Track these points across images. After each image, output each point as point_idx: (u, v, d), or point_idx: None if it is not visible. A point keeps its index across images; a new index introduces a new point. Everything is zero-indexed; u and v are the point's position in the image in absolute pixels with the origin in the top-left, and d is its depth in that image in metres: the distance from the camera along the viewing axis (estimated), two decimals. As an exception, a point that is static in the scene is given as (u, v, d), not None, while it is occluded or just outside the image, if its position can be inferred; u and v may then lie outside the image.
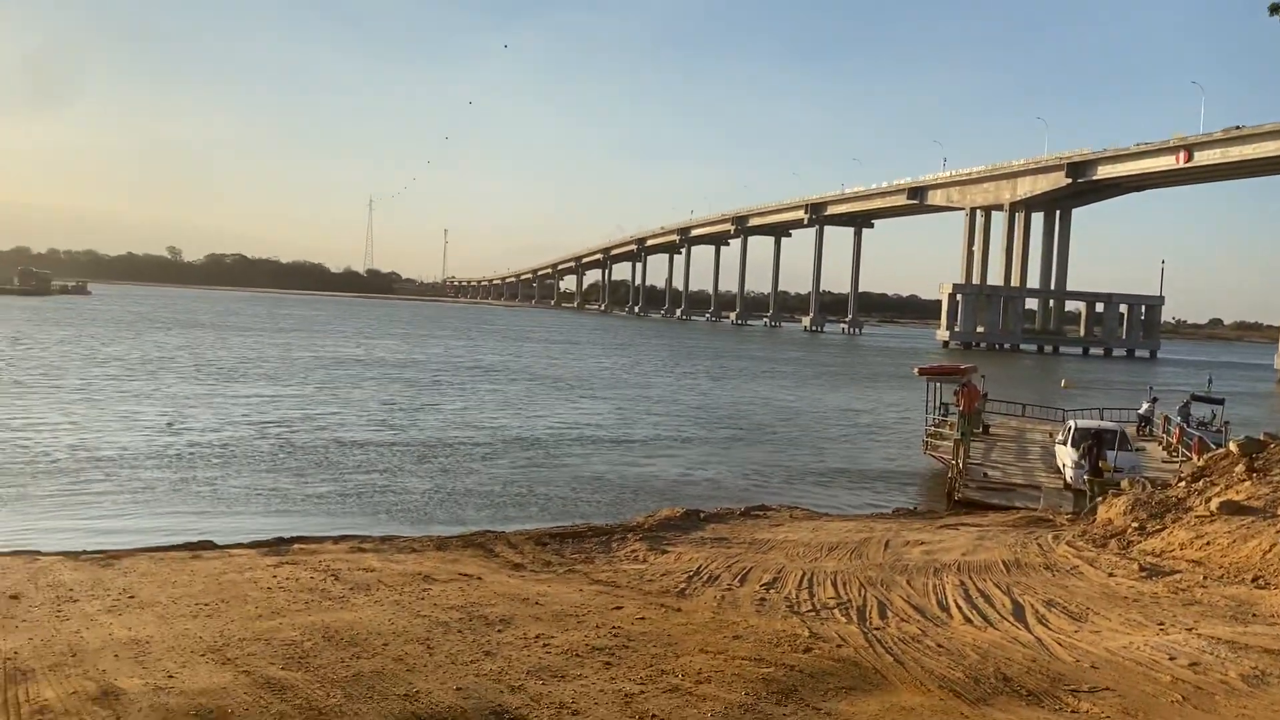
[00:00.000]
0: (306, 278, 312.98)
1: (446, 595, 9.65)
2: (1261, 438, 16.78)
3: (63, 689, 6.58)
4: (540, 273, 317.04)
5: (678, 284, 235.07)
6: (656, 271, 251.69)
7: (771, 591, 10.45)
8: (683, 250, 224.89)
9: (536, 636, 8.17)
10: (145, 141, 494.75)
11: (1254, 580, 9.73)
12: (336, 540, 13.53)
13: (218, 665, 7.18)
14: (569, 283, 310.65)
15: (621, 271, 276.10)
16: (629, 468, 27.37)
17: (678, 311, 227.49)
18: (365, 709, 6.32)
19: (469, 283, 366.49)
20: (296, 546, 12.79)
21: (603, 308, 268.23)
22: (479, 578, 10.65)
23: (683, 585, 10.77)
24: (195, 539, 13.75)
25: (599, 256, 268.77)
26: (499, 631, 8.32)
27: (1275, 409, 59.70)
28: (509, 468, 26.03)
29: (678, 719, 6.18)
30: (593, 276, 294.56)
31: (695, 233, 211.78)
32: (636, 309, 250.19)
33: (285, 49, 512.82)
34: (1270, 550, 10.13)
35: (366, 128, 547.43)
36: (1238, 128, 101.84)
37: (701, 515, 16.70)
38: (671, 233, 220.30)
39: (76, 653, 7.48)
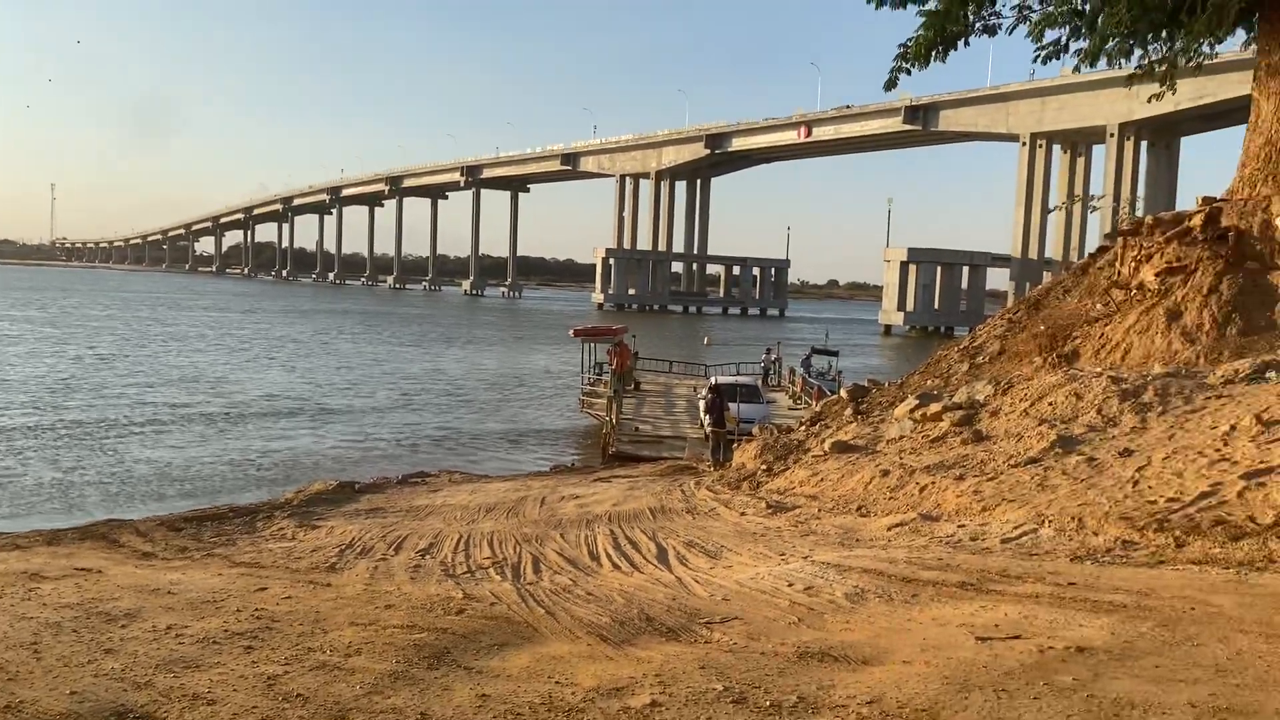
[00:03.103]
0: None
1: (59, 593, 8.64)
2: (865, 383, 18.96)
3: None
4: (172, 234, 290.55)
5: (330, 246, 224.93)
6: (306, 234, 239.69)
7: (427, 557, 10.36)
8: (334, 211, 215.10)
9: (168, 628, 7.53)
10: None
11: (858, 509, 10.97)
12: (-82, 543, 11.69)
13: None
14: (206, 244, 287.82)
15: (267, 233, 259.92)
16: (286, 442, 26.05)
17: (330, 275, 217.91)
18: (-48, 731, 5.52)
19: (84, 245, 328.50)
20: None
21: (246, 271, 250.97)
22: (100, 571, 9.64)
23: (334, 560, 10.40)
24: None
25: (240, 216, 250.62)
26: (123, 627, 7.58)
27: (878, 357, 67.84)
28: (155, 448, 23.91)
29: (324, 695, 5.95)
30: (234, 238, 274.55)
31: (347, 192, 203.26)
32: (285, 273, 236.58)
33: None
34: (870, 482, 11.48)
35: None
36: (848, 106, 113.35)
37: (356, 487, 16.23)
38: (321, 192, 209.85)
39: None
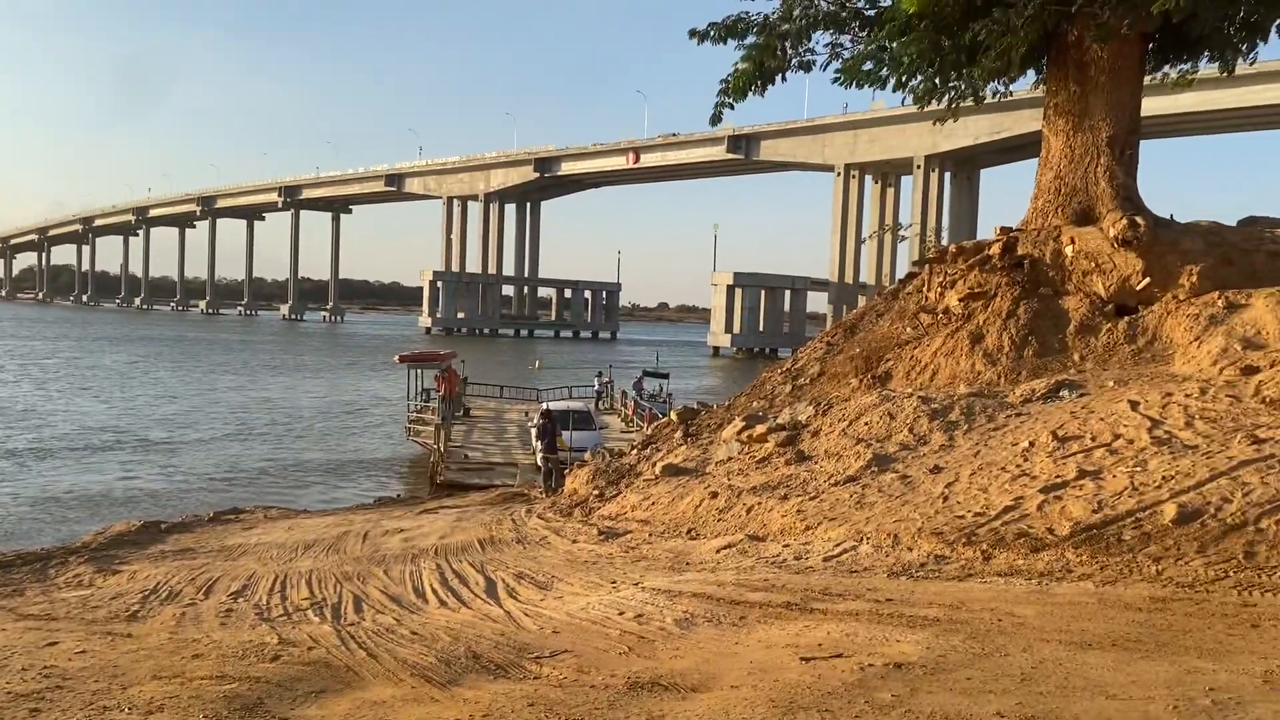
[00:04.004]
0: None
1: None
2: (695, 406, 19.25)
3: None
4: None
5: (136, 269, 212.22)
6: (110, 257, 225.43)
7: (240, 600, 9.78)
8: (140, 232, 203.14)
9: (-60, 695, 6.79)
10: None
11: (688, 532, 11.07)
12: None
13: None
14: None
15: (65, 255, 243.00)
16: (94, 478, 24.29)
17: (137, 300, 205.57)
18: None
19: None
20: None
21: (41, 296, 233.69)
22: None
23: (136, 607, 9.67)
24: None
25: (34, 237, 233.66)
26: (-115, 696, 6.78)
27: (707, 379, 69.29)
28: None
29: (121, 761, 5.49)
30: (27, 260, 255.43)
31: (155, 213, 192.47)
32: (85, 298, 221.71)
33: None
34: (700, 505, 11.61)
35: None
36: (674, 134, 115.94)
37: (163, 526, 15.23)
38: (125, 212, 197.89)
39: None
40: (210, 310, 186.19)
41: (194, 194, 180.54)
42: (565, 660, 6.66)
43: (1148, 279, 14.27)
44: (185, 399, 44.04)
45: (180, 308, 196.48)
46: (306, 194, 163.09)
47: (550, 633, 7.48)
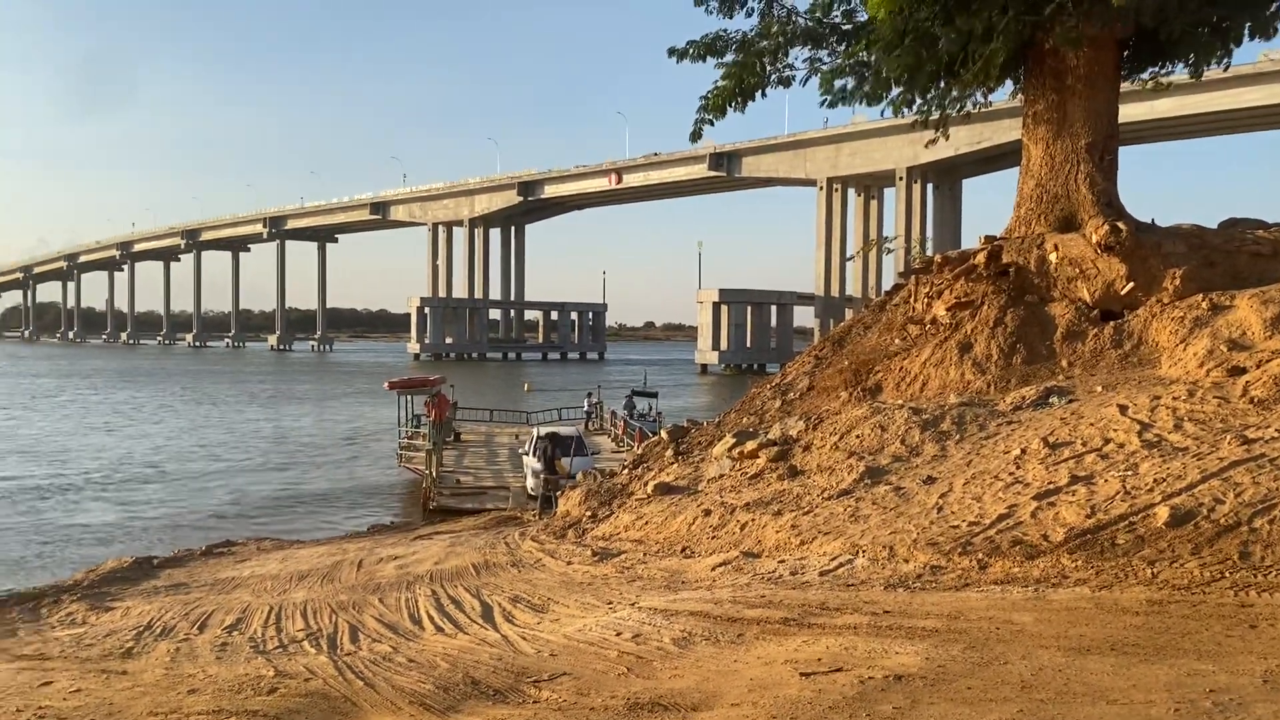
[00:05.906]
0: None
1: None
2: (685, 424, 19.24)
3: None
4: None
5: (121, 305, 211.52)
6: (95, 293, 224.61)
7: (235, 634, 9.71)
8: (125, 267, 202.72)
9: (-68, 739, 6.72)
10: None
11: (682, 551, 11.04)
12: None
13: None
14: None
15: (50, 292, 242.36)
16: (82, 516, 24.15)
17: (123, 335, 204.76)
18: None
19: None
20: None
21: (27, 334, 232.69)
22: None
23: (130, 644, 9.60)
24: None
25: (18, 275, 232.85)
26: (-124, 742, 6.71)
27: (697, 396, 69.27)
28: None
29: (118, 801, 5.43)
30: (12, 299, 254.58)
31: (139, 247, 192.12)
32: (72, 334, 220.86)
33: None
34: (693, 523, 11.58)
35: None
36: (656, 154, 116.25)
37: (155, 562, 15.13)
38: (110, 247, 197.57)
39: None
40: (198, 343, 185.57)
41: (178, 227, 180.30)
42: (564, 683, 6.63)
43: (1132, 283, 14.36)
44: (196, 433, 44.42)
45: (167, 341, 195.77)
46: (291, 224, 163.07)
47: (548, 655, 7.45)
